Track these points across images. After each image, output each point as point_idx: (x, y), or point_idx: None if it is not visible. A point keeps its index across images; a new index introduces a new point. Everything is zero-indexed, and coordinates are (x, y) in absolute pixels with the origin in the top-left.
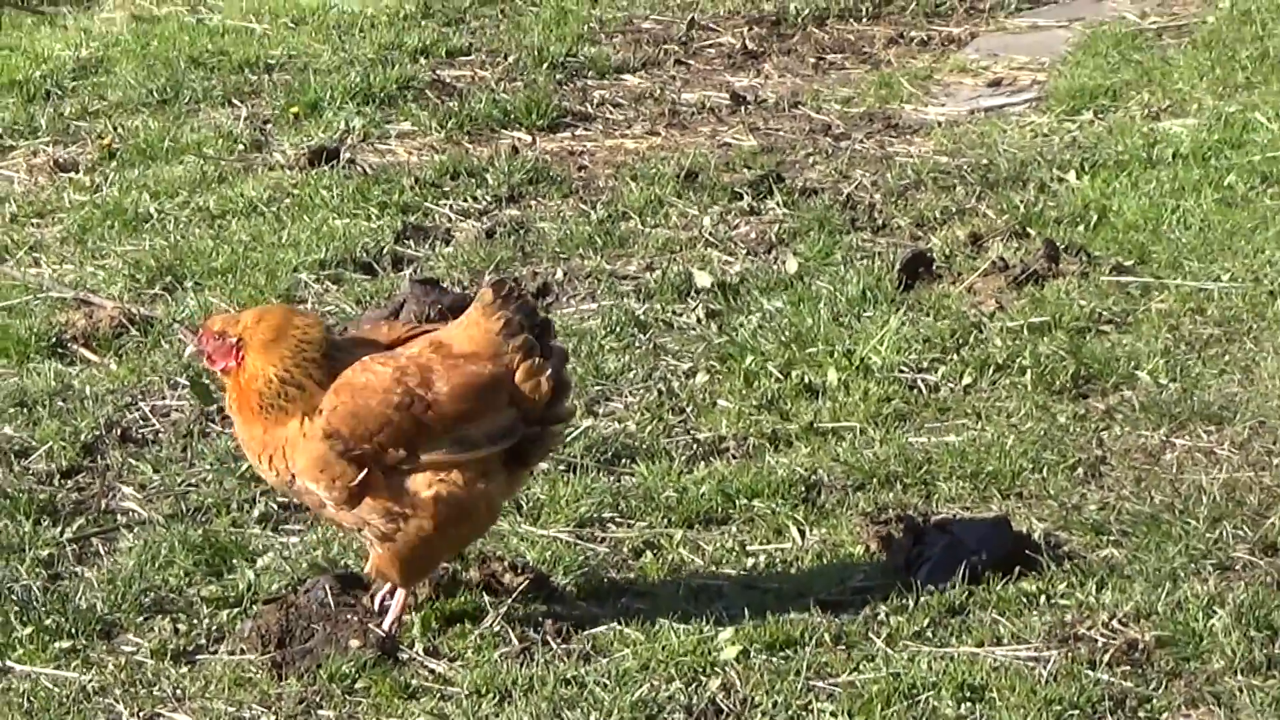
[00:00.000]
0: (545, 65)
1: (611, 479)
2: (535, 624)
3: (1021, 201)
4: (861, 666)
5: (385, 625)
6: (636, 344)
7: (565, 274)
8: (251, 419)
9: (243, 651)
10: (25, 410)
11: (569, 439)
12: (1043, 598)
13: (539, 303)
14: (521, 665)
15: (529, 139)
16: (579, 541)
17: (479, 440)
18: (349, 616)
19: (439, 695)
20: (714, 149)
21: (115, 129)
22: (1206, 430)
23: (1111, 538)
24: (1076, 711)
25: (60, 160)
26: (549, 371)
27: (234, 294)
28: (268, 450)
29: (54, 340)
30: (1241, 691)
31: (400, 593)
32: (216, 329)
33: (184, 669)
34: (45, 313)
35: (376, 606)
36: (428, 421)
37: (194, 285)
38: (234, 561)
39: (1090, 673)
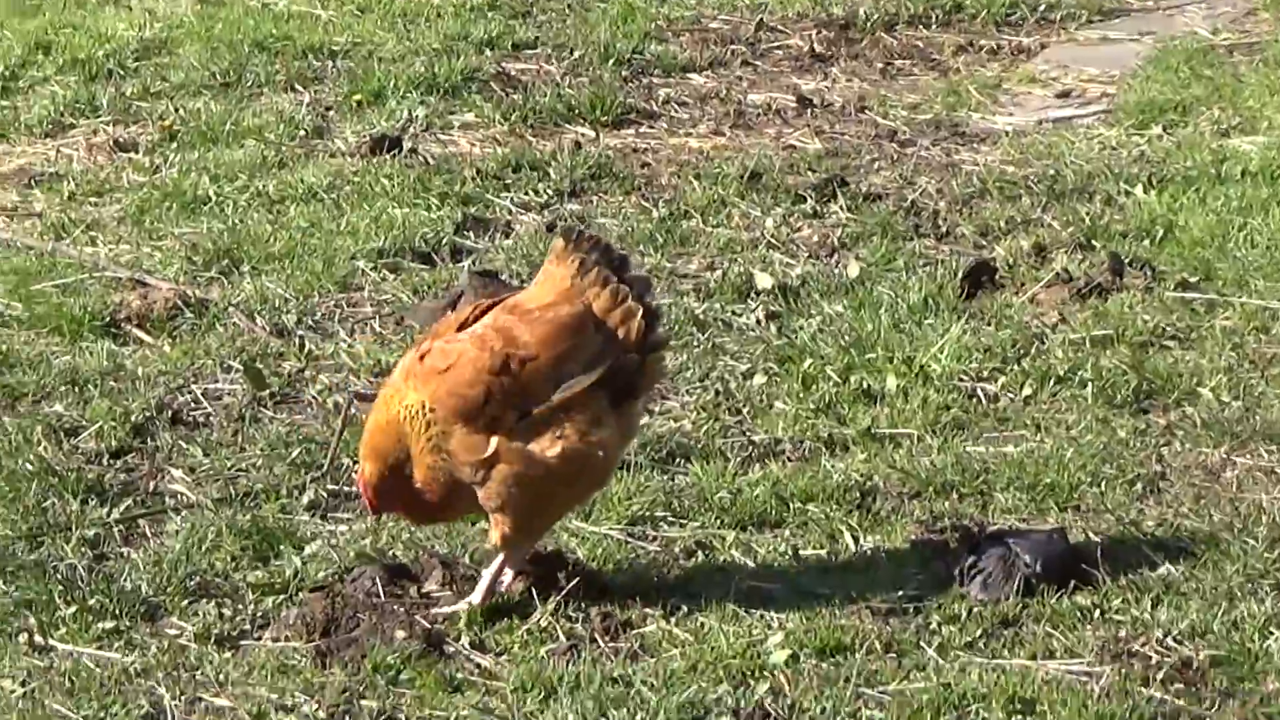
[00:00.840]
0: (611, 61)
1: (665, 478)
2: (583, 621)
3: (1087, 214)
4: (912, 675)
5: (477, 597)
6: (695, 343)
7: None
8: (429, 495)
9: (287, 639)
10: (76, 389)
11: None
12: (1097, 612)
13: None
14: (568, 662)
15: (592, 134)
16: (630, 540)
17: (577, 373)
18: (396, 607)
19: (484, 690)
20: (778, 151)
21: (176, 110)
22: (1268, 449)
23: (1169, 554)
24: None
25: (120, 140)
26: (632, 299)
27: (291, 279)
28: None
29: (108, 320)
30: None
31: (498, 561)
32: (370, 496)
33: (227, 654)
34: (100, 292)
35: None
36: (526, 376)
37: (251, 269)
38: (281, 548)
39: (1143, 690)
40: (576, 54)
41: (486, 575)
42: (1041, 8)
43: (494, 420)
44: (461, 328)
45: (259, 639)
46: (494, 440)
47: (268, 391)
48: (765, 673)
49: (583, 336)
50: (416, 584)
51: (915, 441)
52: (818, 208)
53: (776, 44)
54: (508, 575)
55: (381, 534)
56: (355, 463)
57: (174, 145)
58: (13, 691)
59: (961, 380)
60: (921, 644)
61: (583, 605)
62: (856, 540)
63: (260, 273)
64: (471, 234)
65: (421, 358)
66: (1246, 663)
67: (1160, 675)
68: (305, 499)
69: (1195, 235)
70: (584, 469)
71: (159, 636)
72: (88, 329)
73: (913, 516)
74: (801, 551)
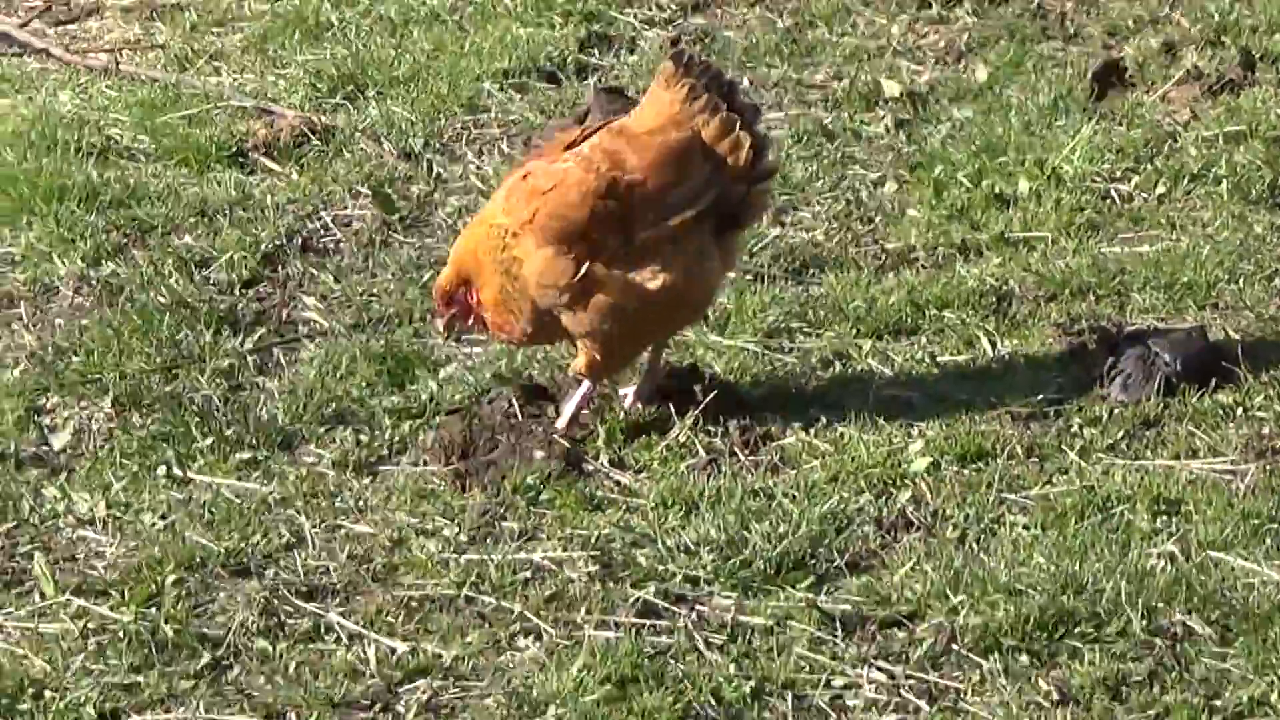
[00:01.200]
0: None
1: (799, 289)
2: (722, 435)
3: (1216, 9)
4: (1054, 479)
5: (562, 424)
6: (824, 153)
7: (752, 83)
8: (510, 320)
9: (425, 463)
10: (206, 220)
11: (756, 248)
12: (1239, 410)
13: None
14: (708, 477)
15: None
16: (766, 352)
17: (683, 204)
18: (534, 427)
19: (624, 507)
20: None
21: None
22: None
23: None
24: (1275, 525)
25: None
26: (741, 127)
27: (416, 103)
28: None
29: (234, 149)
30: None
31: (581, 389)
32: (441, 298)
33: (365, 480)
34: (226, 122)
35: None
36: (633, 201)
37: (376, 94)
38: (416, 372)
39: None
40: None
41: (570, 404)
42: None
43: (595, 245)
44: (568, 149)
45: (397, 464)
46: (584, 265)
47: (397, 216)
48: (906, 481)
49: (691, 164)
50: (553, 404)
51: (1050, 244)
52: (943, 12)
53: None
54: (628, 395)
55: (517, 355)
56: None
57: None
58: (153, 524)
59: (1094, 181)
60: (1063, 447)
61: (721, 419)
62: (994, 345)
63: (385, 97)
64: (596, 51)
65: (525, 177)
66: None
67: None
68: (439, 322)
69: None
70: (684, 300)
71: (296, 465)
72: (215, 159)
73: (1050, 319)
74: (939, 358)
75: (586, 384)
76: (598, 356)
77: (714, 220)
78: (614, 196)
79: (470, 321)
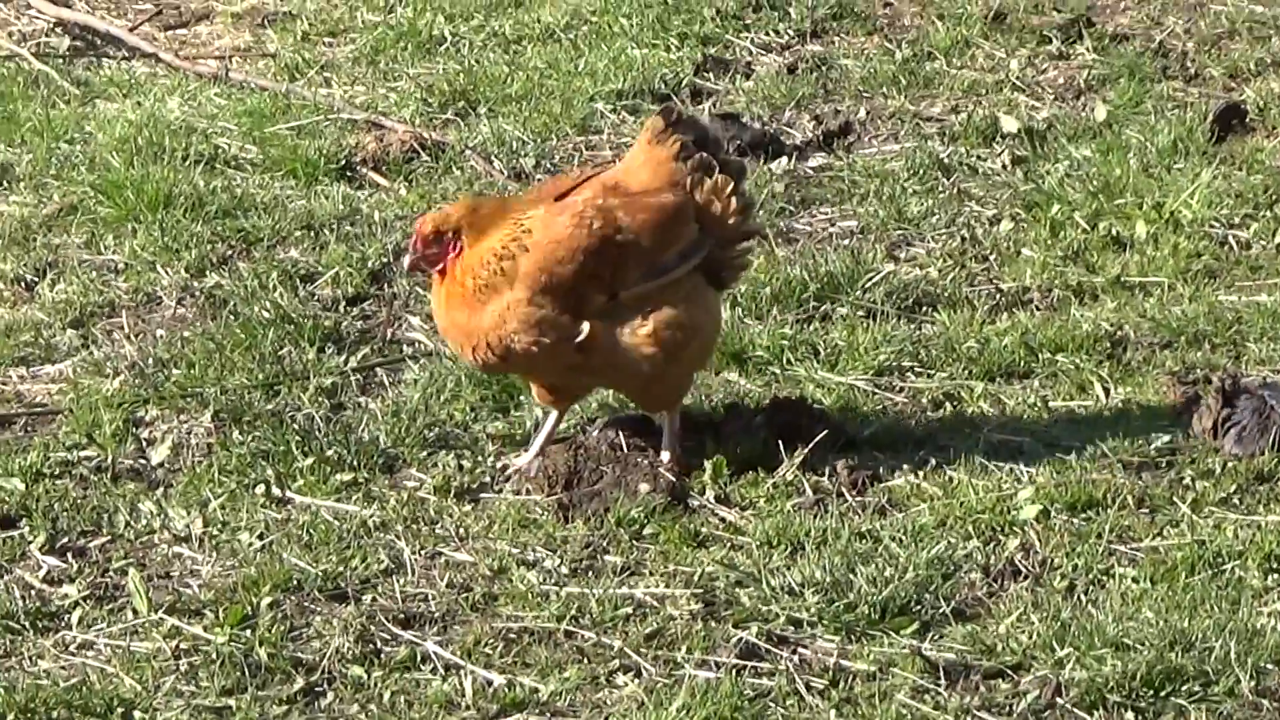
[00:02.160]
0: None
1: (912, 327)
2: (830, 474)
3: None
4: (1165, 532)
5: (664, 457)
6: (940, 188)
7: (868, 113)
8: (460, 304)
9: (528, 492)
10: (312, 234)
11: (869, 283)
12: None
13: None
14: (815, 517)
15: None
16: (877, 390)
17: (671, 264)
18: (639, 460)
19: (729, 544)
20: None
21: None
22: None
23: None
24: None
25: None
26: (732, 188)
27: (528, 122)
28: (473, 339)
29: (343, 163)
30: None
31: (666, 421)
32: (429, 230)
33: (467, 507)
34: (335, 134)
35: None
36: (621, 260)
37: (487, 111)
38: (521, 398)
39: None
40: None
41: (665, 438)
42: None
43: (580, 300)
44: (559, 199)
45: (499, 491)
46: (583, 326)
47: None
48: (1015, 528)
49: (683, 225)
50: (661, 434)
51: (1166, 290)
52: (1063, 49)
53: None
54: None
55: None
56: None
57: None
58: (250, 544)
59: (1213, 226)
60: (1175, 499)
61: (829, 458)
62: (1107, 391)
63: (496, 114)
64: (711, 75)
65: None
66: None
67: None
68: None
69: None
70: (691, 336)
71: (398, 489)
72: (323, 172)
73: (1164, 367)
74: (1051, 403)
75: (668, 417)
76: (653, 392)
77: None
78: (601, 254)
79: (437, 271)
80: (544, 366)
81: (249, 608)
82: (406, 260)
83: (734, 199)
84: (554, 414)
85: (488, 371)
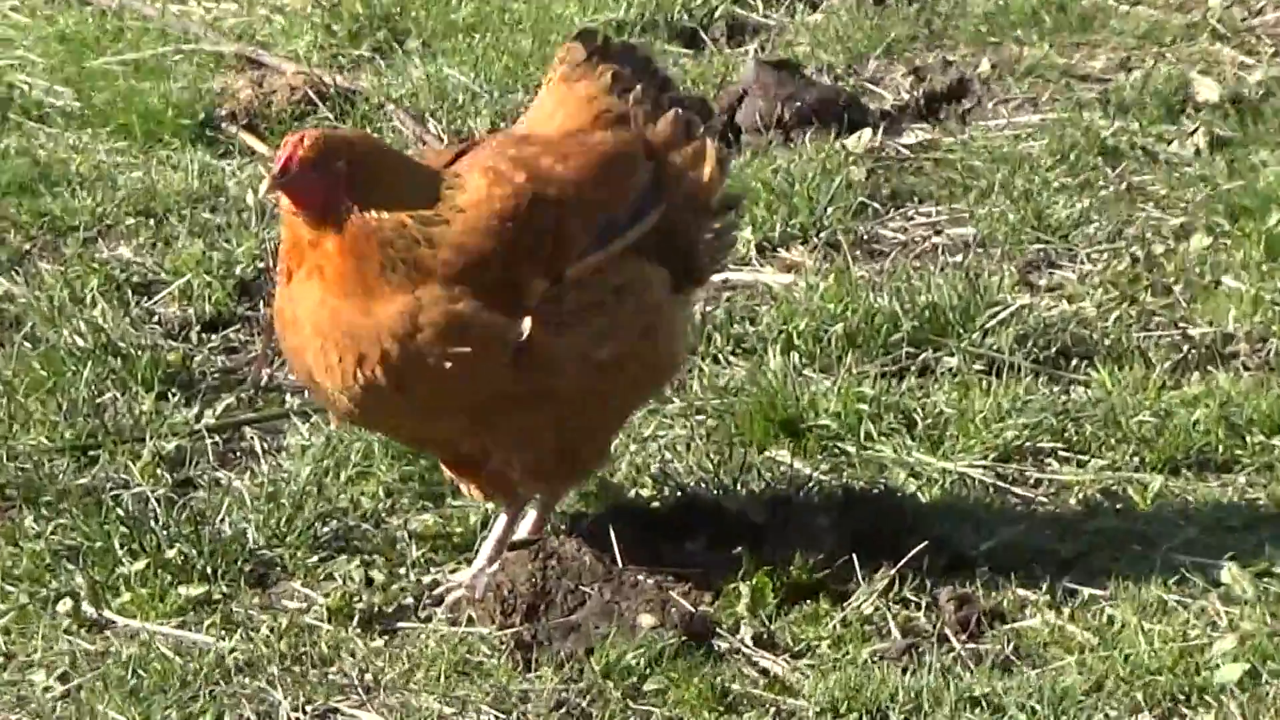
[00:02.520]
0: None
1: (1056, 389)
2: (929, 608)
3: None
4: None
5: (468, 574)
6: (1100, 182)
7: (994, 67)
8: (348, 288)
9: (471, 621)
10: (153, 222)
11: (991, 322)
12: None
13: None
14: (905, 672)
15: None
16: (1000, 483)
17: (623, 221)
18: (640, 577)
19: (773, 709)
20: None
21: None
22: None
23: None
24: None
25: None
26: (699, 129)
27: (481, 65)
28: (362, 346)
29: (202, 117)
30: None
31: (539, 507)
32: (314, 153)
33: (378, 642)
34: (191, 74)
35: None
36: (560, 223)
37: (421, 47)
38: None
39: None
40: None
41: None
42: None
43: (513, 286)
44: (448, 165)
45: (427, 620)
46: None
47: None
48: (1208, 696)
49: (631, 176)
50: (675, 539)
51: None
52: None
53: None
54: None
55: (620, 460)
56: None
57: None
58: (47, 689)
59: None
60: None
61: (928, 584)
62: None
63: (435, 53)
64: (760, 4)
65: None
66: None
67: None
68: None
69: None
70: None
71: (273, 611)
72: (171, 130)
73: None
74: (1262, 507)
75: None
76: (567, 443)
77: (671, 269)
78: (533, 221)
79: (315, 210)
80: (454, 399)
81: None
82: (265, 185)
83: (707, 147)
84: (505, 512)
85: (361, 414)
